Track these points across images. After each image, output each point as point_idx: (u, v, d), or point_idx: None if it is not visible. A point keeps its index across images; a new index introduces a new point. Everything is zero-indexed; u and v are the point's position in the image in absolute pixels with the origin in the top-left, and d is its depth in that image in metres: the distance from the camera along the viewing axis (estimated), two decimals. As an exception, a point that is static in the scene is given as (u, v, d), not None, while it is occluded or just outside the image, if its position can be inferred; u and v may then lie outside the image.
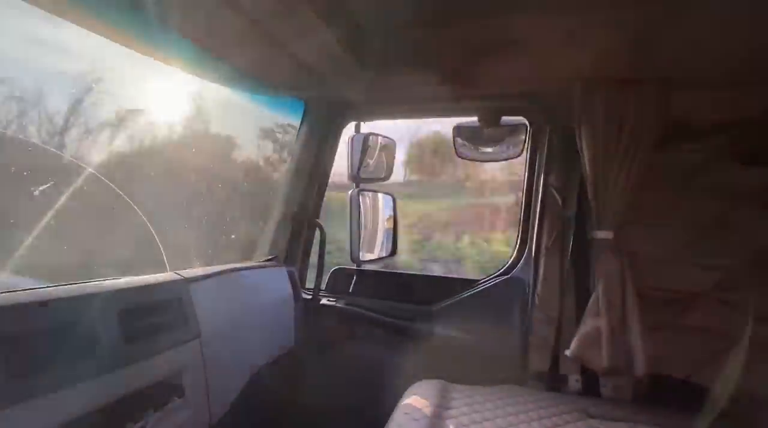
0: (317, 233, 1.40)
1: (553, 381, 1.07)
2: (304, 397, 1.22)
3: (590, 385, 1.04)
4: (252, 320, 0.99)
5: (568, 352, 0.96)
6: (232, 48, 0.92)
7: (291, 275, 1.26)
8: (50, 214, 0.80)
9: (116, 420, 0.59)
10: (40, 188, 0.79)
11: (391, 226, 1.58)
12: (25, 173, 0.90)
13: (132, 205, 1.04)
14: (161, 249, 1.05)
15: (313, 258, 1.41)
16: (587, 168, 0.95)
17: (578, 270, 1.11)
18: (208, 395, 0.74)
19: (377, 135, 1.50)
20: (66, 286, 0.59)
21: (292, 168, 1.34)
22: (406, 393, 0.97)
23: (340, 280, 1.49)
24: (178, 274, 0.79)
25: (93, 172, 0.97)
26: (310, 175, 1.35)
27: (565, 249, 1.12)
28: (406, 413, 0.85)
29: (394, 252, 1.55)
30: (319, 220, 1.39)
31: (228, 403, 0.81)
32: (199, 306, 0.78)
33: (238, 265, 1.04)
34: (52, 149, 1.04)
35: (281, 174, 1.43)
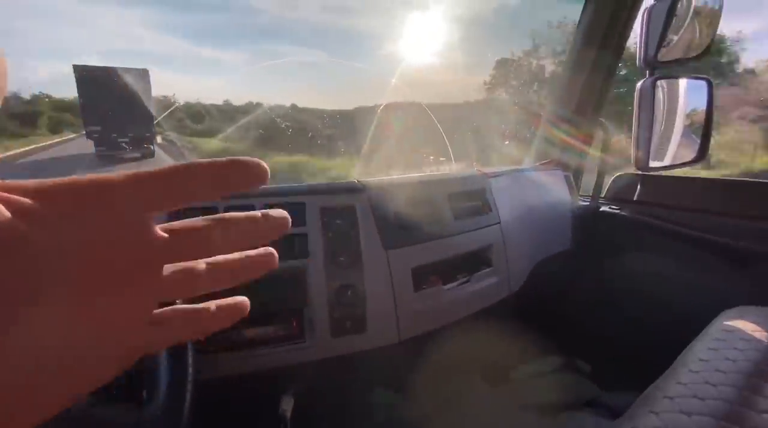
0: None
1: None
2: (580, 295, 1.24)
3: None
4: (533, 217, 1.05)
5: None
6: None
7: (567, 179, 1.22)
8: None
9: (450, 273, 0.80)
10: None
11: (699, 122, 1.22)
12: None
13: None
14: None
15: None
16: None
17: None
18: (508, 269, 0.87)
19: (693, -6, 1.11)
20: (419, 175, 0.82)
21: (570, 60, 1.22)
22: (720, 317, 0.82)
23: (622, 187, 1.33)
24: (480, 170, 0.92)
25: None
26: (593, 65, 1.19)
27: None
28: (721, 339, 0.73)
29: (701, 156, 1.22)
30: (602, 119, 1.24)
31: (522, 281, 0.93)
32: (497, 198, 0.90)
33: (519, 167, 1.10)
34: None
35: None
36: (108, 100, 11.94)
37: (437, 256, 0.77)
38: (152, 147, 12.03)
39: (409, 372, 0.77)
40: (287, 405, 0.66)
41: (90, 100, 11.90)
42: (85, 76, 12.10)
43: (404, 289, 0.71)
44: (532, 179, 1.11)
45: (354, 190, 0.73)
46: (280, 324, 0.65)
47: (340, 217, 0.69)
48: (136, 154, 11.65)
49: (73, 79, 11.91)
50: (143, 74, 12.95)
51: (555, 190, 1.18)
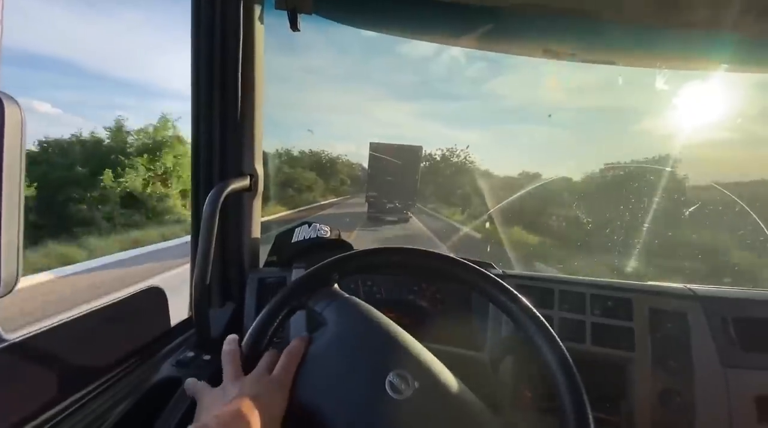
0: None
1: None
2: None
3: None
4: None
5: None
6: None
7: None
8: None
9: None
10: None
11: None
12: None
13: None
14: None
15: None
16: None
17: None
18: None
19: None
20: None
21: None
22: None
23: None
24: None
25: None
26: None
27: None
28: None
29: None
30: None
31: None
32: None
33: None
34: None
35: None
36: (387, 171, 13.77)
37: None
38: (409, 213, 13.44)
39: None
40: None
41: (375, 170, 14.01)
42: (377, 150, 14.24)
43: (744, 418, 0.66)
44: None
45: (684, 296, 0.74)
46: (596, 407, 0.71)
47: (671, 321, 0.72)
48: (394, 218, 13.06)
49: (353, 155, 14.75)
50: (417, 150, 14.43)
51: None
